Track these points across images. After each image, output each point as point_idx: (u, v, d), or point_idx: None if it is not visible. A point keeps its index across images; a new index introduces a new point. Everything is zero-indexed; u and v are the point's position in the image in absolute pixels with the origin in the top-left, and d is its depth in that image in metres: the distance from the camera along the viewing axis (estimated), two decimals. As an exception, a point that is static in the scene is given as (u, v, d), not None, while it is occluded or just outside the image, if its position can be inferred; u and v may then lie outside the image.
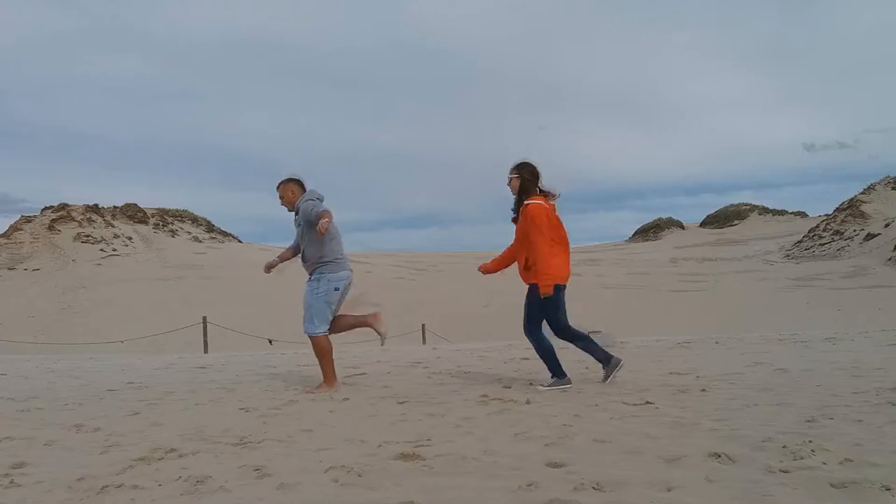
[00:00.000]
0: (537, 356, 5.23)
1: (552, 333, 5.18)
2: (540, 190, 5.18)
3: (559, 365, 5.11)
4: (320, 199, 5.42)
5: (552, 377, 5.10)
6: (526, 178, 5.15)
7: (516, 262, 5.31)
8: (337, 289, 5.28)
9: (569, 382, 5.07)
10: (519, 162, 5.22)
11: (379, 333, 5.49)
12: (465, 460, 2.97)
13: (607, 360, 5.13)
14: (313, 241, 5.27)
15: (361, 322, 5.53)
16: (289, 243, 5.78)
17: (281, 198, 5.51)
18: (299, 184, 5.51)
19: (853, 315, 25.51)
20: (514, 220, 5.30)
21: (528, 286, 5.14)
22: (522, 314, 5.20)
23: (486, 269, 5.62)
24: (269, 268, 5.69)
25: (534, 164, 5.21)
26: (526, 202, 5.10)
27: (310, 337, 5.34)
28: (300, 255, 5.48)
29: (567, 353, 5.21)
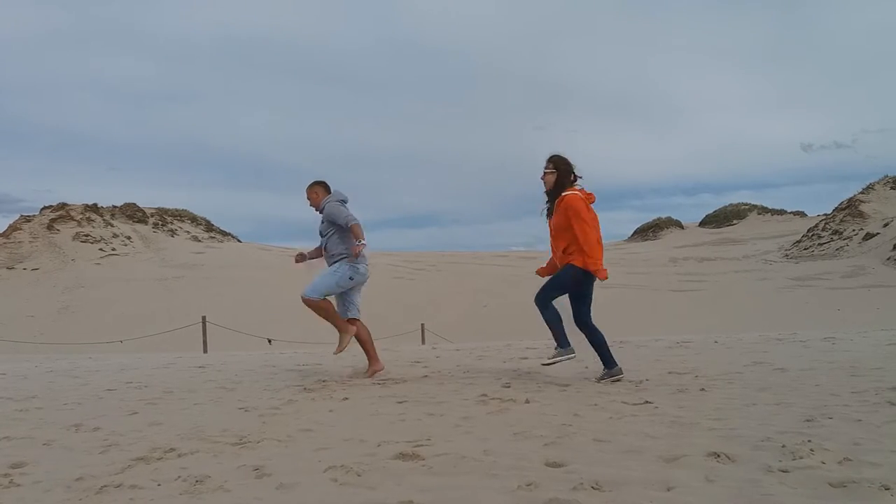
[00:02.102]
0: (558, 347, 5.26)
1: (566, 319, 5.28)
2: (575, 176, 5.25)
3: (564, 334, 5.18)
4: (344, 202, 5.94)
5: (556, 347, 5.18)
6: (562, 171, 5.22)
7: (553, 255, 5.36)
8: (352, 278, 5.78)
9: (573, 353, 5.16)
10: (553, 155, 5.29)
11: (339, 342, 5.89)
12: (465, 460, 2.96)
13: (611, 364, 5.18)
14: (337, 238, 5.83)
15: (338, 322, 5.88)
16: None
17: (308, 199, 6.03)
18: (323, 186, 6.04)
19: (852, 315, 25.52)
20: (549, 214, 5.34)
21: (562, 266, 5.18)
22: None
23: (541, 272, 5.63)
24: (300, 258, 6.29)
25: (567, 157, 5.29)
26: (563, 194, 5.16)
27: (306, 300, 5.72)
28: (324, 248, 5.96)
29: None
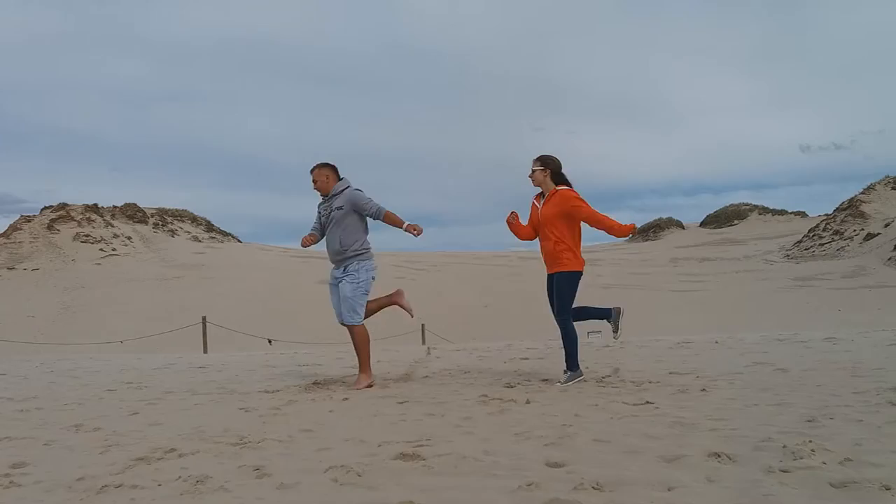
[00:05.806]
0: (558, 347, 5.27)
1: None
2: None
3: (577, 357, 5.23)
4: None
5: (566, 371, 5.19)
6: (553, 171, 5.29)
7: (541, 246, 5.33)
8: (374, 278, 5.52)
9: (581, 375, 5.21)
10: (542, 155, 5.36)
11: (405, 309, 5.75)
12: (465, 460, 2.96)
13: (608, 315, 5.28)
14: (353, 230, 5.43)
15: (387, 302, 5.74)
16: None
17: (314, 181, 5.52)
18: (333, 170, 5.56)
19: (853, 315, 25.50)
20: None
21: (556, 274, 5.21)
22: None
23: (511, 221, 5.54)
24: (308, 243, 5.64)
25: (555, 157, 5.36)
26: (554, 188, 5.26)
27: (351, 327, 5.44)
28: (331, 242, 5.49)
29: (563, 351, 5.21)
